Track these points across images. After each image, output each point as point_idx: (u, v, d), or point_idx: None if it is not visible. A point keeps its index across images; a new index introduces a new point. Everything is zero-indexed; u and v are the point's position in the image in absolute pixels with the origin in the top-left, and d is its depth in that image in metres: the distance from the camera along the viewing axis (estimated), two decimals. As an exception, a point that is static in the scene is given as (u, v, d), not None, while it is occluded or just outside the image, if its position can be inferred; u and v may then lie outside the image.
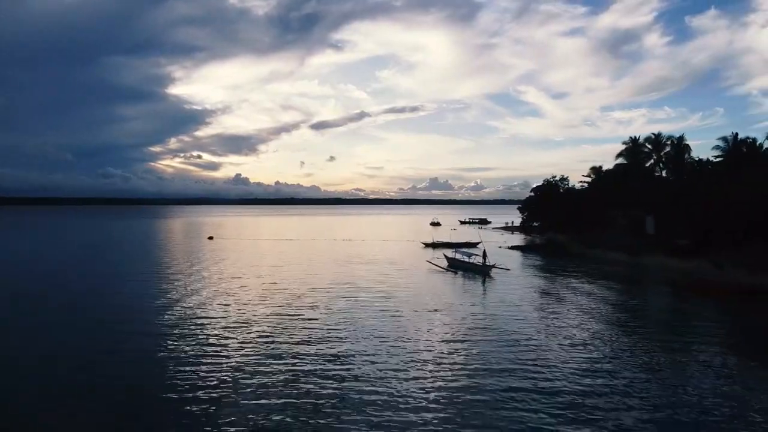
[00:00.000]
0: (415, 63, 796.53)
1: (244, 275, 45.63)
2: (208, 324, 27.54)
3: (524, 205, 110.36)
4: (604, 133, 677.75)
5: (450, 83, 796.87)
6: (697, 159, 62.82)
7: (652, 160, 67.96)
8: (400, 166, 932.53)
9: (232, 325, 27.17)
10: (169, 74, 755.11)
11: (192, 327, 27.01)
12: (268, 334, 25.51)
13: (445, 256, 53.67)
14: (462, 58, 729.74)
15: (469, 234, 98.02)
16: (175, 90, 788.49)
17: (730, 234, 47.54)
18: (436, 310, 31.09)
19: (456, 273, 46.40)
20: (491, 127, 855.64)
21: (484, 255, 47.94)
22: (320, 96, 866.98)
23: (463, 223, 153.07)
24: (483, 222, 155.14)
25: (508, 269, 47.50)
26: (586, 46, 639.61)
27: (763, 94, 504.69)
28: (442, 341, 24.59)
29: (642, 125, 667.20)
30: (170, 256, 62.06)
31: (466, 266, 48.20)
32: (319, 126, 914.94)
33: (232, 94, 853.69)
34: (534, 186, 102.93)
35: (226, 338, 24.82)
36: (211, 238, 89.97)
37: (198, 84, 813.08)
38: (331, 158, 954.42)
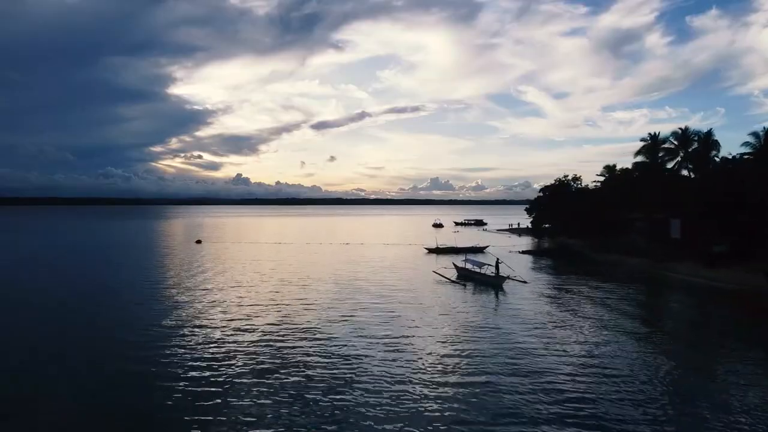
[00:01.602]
0: (416, 63, 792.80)
1: (216, 290, 39.83)
2: (167, 349, 21.84)
3: (532, 206, 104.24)
4: (605, 133, 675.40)
5: (451, 83, 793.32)
6: (727, 156, 56.70)
7: (679, 158, 61.81)
8: (400, 166, 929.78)
9: (198, 355, 21.47)
10: (170, 74, 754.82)
11: (151, 349, 22.44)
12: (246, 372, 19.80)
13: (454, 265, 47.82)
14: (463, 58, 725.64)
15: (474, 237, 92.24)
16: (176, 90, 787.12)
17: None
18: (445, 342, 25.20)
19: (465, 286, 40.52)
20: (492, 127, 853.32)
21: (497, 265, 42.08)
22: (321, 96, 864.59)
23: (458, 224, 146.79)
24: (479, 223, 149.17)
25: (525, 282, 41.60)
26: (587, 46, 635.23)
27: (765, 94, 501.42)
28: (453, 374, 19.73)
29: (643, 125, 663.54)
30: (149, 263, 56.30)
31: (477, 277, 42.38)
32: (320, 126, 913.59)
33: (233, 94, 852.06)
34: (543, 186, 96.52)
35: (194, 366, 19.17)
36: (199, 242, 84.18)
37: (199, 84, 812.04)
38: (332, 158, 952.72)
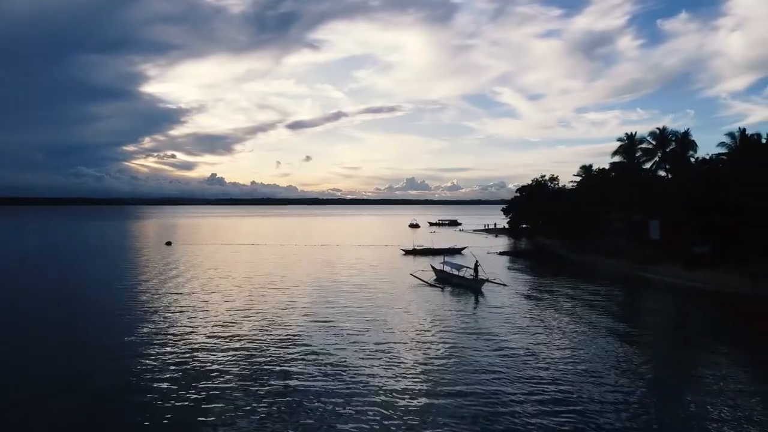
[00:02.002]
0: (392, 63, 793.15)
1: (184, 296, 37.56)
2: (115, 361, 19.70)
3: (509, 207, 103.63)
4: (578, 134, 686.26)
5: (427, 84, 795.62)
6: (705, 156, 56.39)
7: (656, 158, 61.27)
8: (376, 166, 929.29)
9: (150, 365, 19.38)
10: (143, 72, 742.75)
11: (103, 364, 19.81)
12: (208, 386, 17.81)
13: (432, 267, 46.33)
14: (439, 58, 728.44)
15: (451, 237, 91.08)
16: (150, 88, 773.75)
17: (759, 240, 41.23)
18: (423, 348, 23.59)
19: (443, 289, 39.00)
20: (467, 127, 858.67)
21: (476, 267, 40.69)
22: (297, 95, 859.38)
23: (432, 224, 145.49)
24: (453, 223, 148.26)
25: (505, 284, 40.29)
26: (561, 47, 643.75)
27: (732, 96, 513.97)
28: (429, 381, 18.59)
29: (616, 127, 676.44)
30: (114, 267, 53.49)
31: (456, 280, 40.91)
32: (296, 126, 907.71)
33: (208, 93, 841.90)
34: (520, 186, 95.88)
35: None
36: (169, 243, 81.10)
37: (173, 83, 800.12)
38: (308, 158, 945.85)
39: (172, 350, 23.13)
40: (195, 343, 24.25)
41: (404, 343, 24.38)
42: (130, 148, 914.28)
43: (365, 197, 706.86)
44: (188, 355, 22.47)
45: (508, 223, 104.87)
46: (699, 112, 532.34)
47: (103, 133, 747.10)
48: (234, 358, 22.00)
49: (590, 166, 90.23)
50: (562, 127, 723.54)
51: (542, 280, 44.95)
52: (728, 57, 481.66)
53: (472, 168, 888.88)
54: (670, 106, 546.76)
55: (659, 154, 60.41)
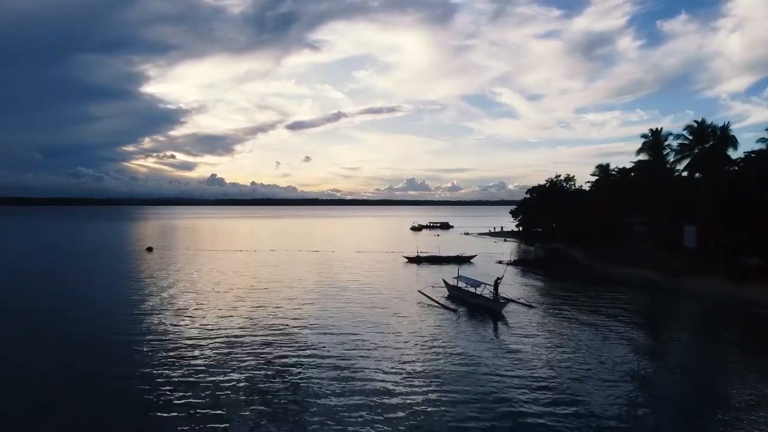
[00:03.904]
0: (392, 64, 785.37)
1: (153, 313, 30.95)
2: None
3: (518, 208, 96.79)
4: (578, 134, 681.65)
5: (426, 84, 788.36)
6: (749, 154, 49.52)
7: (693, 153, 54.22)
8: (376, 167, 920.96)
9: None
10: (143, 73, 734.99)
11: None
12: None
13: (444, 282, 39.67)
14: (438, 59, 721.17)
15: (458, 243, 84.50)
16: (149, 89, 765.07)
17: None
18: (433, 396, 17.10)
19: (456, 312, 32.28)
20: (467, 128, 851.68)
21: (497, 285, 34.06)
22: (296, 96, 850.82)
23: (422, 227, 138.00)
24: (444, 226, 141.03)
25: (531, 306, 33.60)
26: (560, 48, 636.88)
27: (732, 97, 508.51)
28: None
29: (615, 127, 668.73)
30: (75, 279, 46.90)
31: (471, 299, 34.27)
32: (296, 126, 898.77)
33: (207, 94, 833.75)
34: (530, 186, 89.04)
35: None
36: (150, 249, 74.36)
37: (172, 83, 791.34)
38: (307, 158, 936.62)
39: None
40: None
41: (404, 386, 17.98)
42: (130, 148, 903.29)
43: (365, 198, 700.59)
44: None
45: (517, 226, 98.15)
46: (699, 113, 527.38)
47: (102, 133, 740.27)
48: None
49: (607, 165, 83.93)
50: (562, 128, 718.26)
51: (568, 298, 38.10)
52: (728, 58, 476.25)
53: (472, 168, 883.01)
54: (670, 107, 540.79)
55: (697, 150, 53.56)
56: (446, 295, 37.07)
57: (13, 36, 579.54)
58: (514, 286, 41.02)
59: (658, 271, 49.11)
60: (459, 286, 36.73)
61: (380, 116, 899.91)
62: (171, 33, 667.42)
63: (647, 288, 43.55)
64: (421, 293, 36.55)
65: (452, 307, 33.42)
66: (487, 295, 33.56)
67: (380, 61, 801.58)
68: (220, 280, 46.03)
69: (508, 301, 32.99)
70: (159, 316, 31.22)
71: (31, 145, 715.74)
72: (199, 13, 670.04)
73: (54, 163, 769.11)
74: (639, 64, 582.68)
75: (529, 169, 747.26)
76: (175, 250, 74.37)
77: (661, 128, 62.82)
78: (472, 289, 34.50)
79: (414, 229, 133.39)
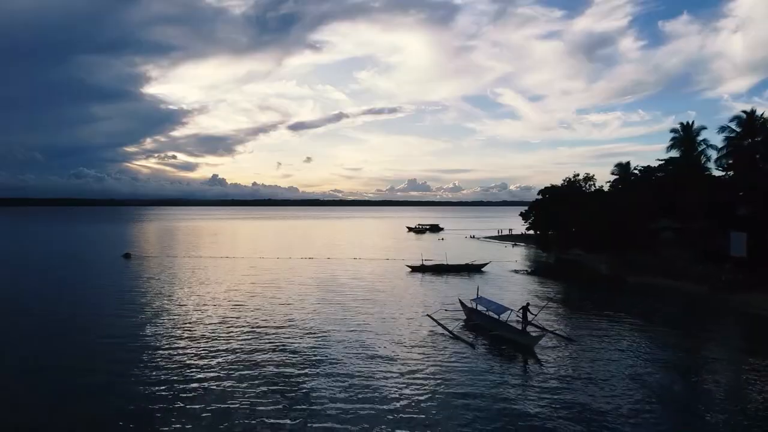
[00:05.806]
0: (394, 64, 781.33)
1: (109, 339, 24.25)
2: None
3: (530, 210, 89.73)
4: (579, 135, 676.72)
5: (428, 85, 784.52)
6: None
7: (747, 143, 46.82)
8: (378, 168, 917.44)
9: None
10: (145, 73, 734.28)
11: None
12: None
13: (461, 304, 32.40)
14: (440, 60, 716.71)
15: (465, 248, 77.65)
16: (151, 89, 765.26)
17: None
18: None
19: (474, 346, 25.26)
20: (469, 128, 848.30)
21: (525, 311, 27.21)
22: (298, 97, 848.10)
23: (410, 230, 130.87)
24: (434, 228, 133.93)
25: (570, 339, 26.56)
26: (562, 49, 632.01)
27: (734, 98, 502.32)
28: None
29: (617, 128, 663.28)
30: (37, 289, 40.28)
31: (493, 327, 27.35)
32: (297, 127, 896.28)
33: (209, 94, 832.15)
34: (544, 187, 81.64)
35: None
36: (127, 255, 67.64)
37: (174, 84, 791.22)
38: (309, 159, 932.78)
39: None
40: None
41: None
42: (131, 149, 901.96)
43: (366, 198, 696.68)
44: None
45: (528, 229, 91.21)
46: (701, 113, 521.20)
47: (103, 134, 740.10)
48: None
49: (627, 163, 77.40)
50: (563, 129, 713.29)
51: (610, 323, 31.17)
52: (730, 58, 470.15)
53: (474, 169, 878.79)
54: (672, 108, 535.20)
55: (748, 141, 46.47)
56: (462, 320, 30.11)
57: (15, 37, 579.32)
58: (535, 302, 34.15)
59: (701, 284, 42.54)
60: (478, 309, 29.70)
61: (382, 117, 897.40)
62: (173, 34, 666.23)
63: (698, 305, 37.31)
64: (431, 318, 29.66)
65: (469, 338, 26.46)
66: (513, 324, 26.68)
67: (382, 62, 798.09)
68: (190, 299, 39.26)
69: (542, 333, 26.12)
70: (102, 336, 24.47)
71: (32, 145, 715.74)
72: (200, 14, 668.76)
73: (56, 164, 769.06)
74: (640, 64, 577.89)
75: (531, 169, 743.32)
76: (157, 257, 67.67)
77: (693, 122, 56.15)
78: (494, 315, 27.64)
79: (417, 231, 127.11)
